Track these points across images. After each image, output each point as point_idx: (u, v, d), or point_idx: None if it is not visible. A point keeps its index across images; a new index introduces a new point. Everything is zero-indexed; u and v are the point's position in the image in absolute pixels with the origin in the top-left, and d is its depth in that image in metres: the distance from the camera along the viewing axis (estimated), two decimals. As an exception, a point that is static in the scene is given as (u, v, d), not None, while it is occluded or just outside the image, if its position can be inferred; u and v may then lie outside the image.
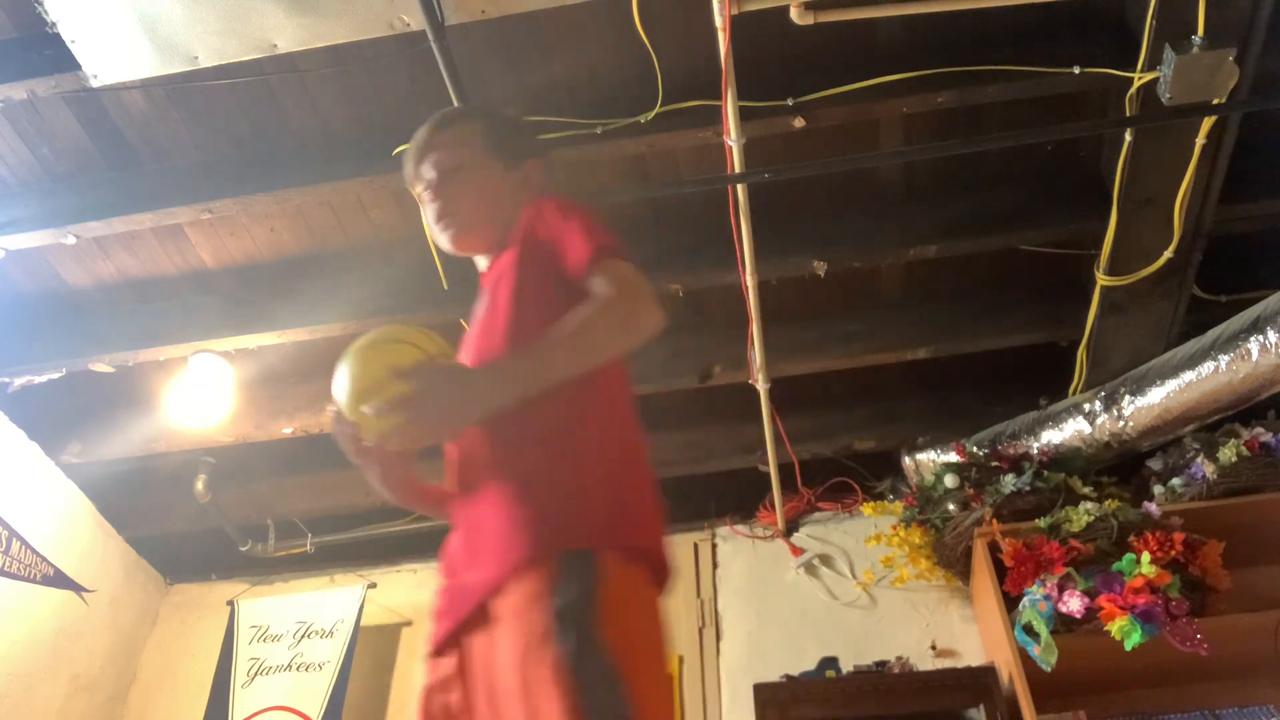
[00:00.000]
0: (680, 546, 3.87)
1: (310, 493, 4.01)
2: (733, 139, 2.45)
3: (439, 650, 1.40)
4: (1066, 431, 3.33)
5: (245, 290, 3.35)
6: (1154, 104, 2.54)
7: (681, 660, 3.55)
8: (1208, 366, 3.00)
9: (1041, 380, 3.58)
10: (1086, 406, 3.30)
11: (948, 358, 3.54)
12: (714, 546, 3.84)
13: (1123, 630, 2.69)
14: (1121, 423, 3.21)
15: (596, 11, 2.61)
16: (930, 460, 3.53)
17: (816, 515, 3.84)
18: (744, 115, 2.48)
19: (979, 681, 2.92)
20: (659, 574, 1.40)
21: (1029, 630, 2.83)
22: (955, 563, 3.31)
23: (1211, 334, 3.04)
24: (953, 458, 3.39)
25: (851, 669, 3.27)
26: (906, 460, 3.62)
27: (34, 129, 2.92)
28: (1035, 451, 3.31)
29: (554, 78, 2.80)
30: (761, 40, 2.63)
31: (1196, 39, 2.38)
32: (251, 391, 3.57)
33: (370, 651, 3.74)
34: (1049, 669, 2.73)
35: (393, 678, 3.74)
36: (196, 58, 2.45)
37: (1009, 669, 2.85)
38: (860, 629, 3.47)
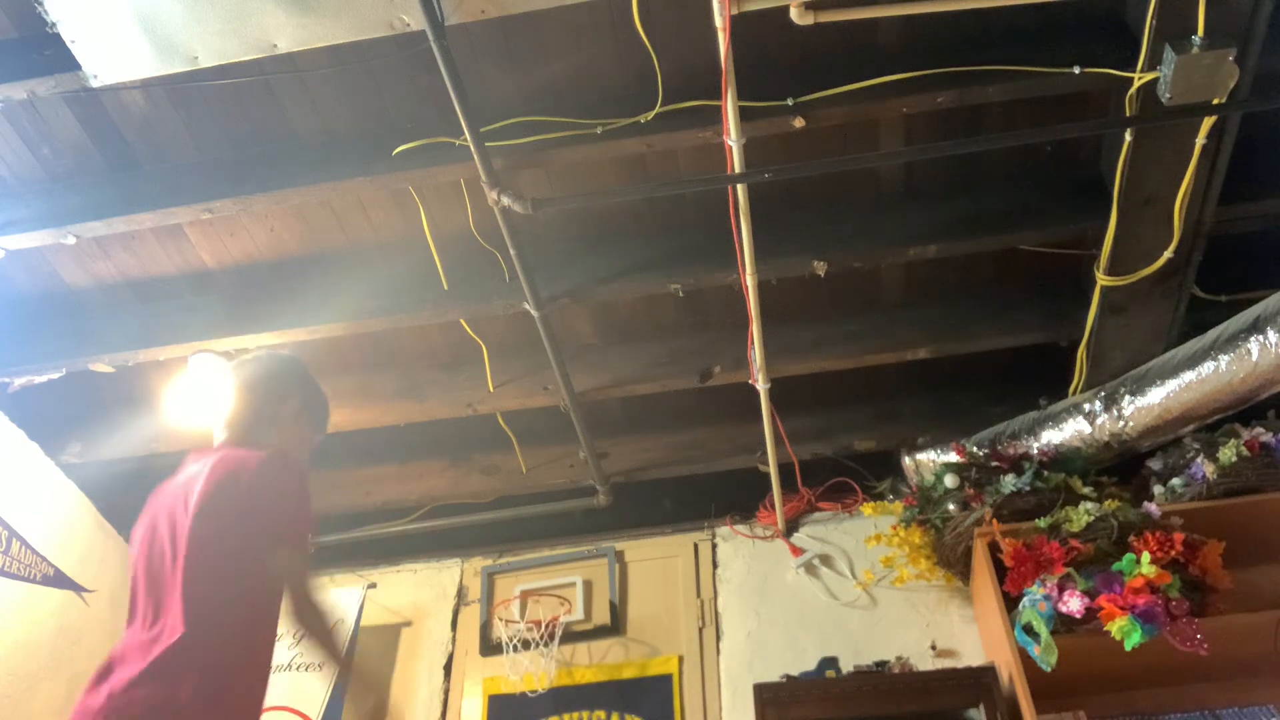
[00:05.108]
0: (680, 546, 3.87)
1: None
2: (733, 139, 2.45)
3: None
4: (1066, 431, 3.33)
5: (245, 290, 3.35)
6: (1154, 104, 2.54)
7: (681, 660, 3.55)
8: (1208, 366, 3.00)
9: (1041, 380, 3.58)
10: (1086, 406, 3.30)
11: (948, 358, 3.54)
12: (714, 546, 3.85)
13: (1123, 630, 2.69)
14: (1121, 423, 3.21)
15: (596, 11, 2.61)
16: (930, 460, 3.53)
17: (816, 515, 3.84)
18: (744, 115, 2.48)
19: (979, 681, 2.93)
20: None
21: (1029, 630, 2.83)
22: (955, 563, 3.31)
23: (1211, 334, 3.05)
24: (953, 458, 3.39)
25: (851, 669, 3.27)
26: (906, 460, 3.62)
27: (34, 129, 2.92)
28: (1035, 451, 3.31)
29: (554, 78, 2.80)
30: (761, 40, 2.63)
31: (1196, 39, 2.38)
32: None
33: (370, 651, 3.74)
34: (1049, 669, 2.73)
35: (393, 678, 3.74)
36: (196, 58, 2.45)
37: (1009, 669, 2.85)
38: (860, 629, 3.47)
